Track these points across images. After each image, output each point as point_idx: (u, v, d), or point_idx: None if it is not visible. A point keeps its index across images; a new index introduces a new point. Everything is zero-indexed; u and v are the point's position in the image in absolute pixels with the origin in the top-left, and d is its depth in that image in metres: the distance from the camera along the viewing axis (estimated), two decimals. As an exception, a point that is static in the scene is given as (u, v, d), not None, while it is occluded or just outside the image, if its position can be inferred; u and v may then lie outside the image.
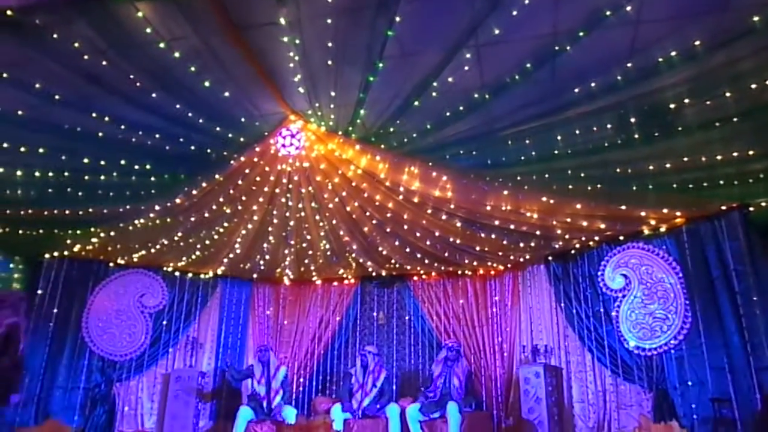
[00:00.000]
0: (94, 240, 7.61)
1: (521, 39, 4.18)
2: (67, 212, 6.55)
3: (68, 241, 7.66)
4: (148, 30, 4.07)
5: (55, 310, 7.79)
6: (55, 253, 8.03)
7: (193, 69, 4.51)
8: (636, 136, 4.93)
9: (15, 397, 7.00)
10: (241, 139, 5.63)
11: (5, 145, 5.24)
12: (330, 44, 4.23)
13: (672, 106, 4.56)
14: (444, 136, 5.27)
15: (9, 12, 3.77)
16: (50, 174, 5.77)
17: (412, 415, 7.01)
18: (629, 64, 4.25)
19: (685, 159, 5.19)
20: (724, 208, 6.00)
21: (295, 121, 5.48)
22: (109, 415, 7.82)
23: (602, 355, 6.97)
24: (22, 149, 5.33)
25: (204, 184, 6.26)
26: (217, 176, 6.14)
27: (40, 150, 5.40)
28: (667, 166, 5.31)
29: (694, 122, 4.71)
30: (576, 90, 4.52)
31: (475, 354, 8.39)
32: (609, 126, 4.92)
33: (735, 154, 5.04)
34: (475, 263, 8.45)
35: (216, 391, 8.57)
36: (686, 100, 4.50)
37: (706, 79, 4.29)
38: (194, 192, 6.38)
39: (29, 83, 4.55)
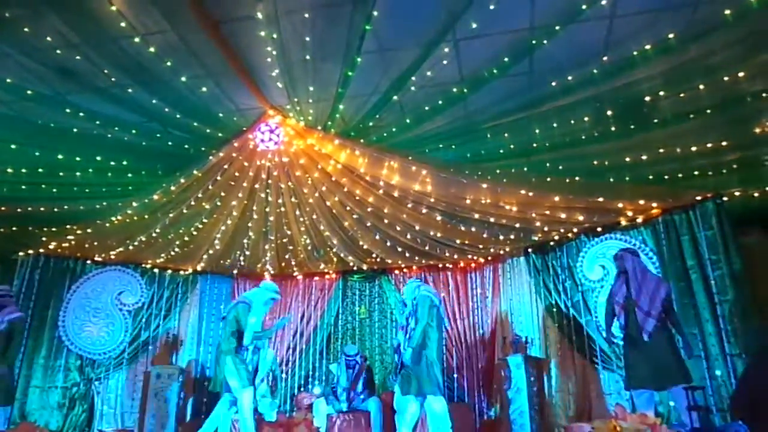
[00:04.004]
0: (70, 237, 7.49)
1: (499, 33, 4.21)
2: (42, 209, 6.45)
3: (44, 239, 7.53)
4: (123, 24, 4.02)
5: (31, 309, 7.66)
6: (30, 251, 7.90)
7: (169, 64, 4.47)
8: (612, 128, 4.99)
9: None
10: (219, 135, 5.58)
11: (-24, 142, 5.15)
12: (307, 39, 4.22)
13: (647, 98, 4.63)
14: (423, 131, 5.29)
15: (-22, 6, 3.70)
16: (23, 170, 5.67)
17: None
18: (605, 58, 4.31)
19: (661, 150, 5.27)
20: (698, 198, 6.11)
21: (274, 116, 5.44)
22: (89, 414, 7.74)
23: (582, 344, 7.06)
24: (-6, 146, 5.24)
25: (182, 180, 6.20)
26: (195, 172, 6.08)
27: (12, 146, 5.30)
28: (644, 157, 5.38)
29: (669, 114, 4.79)
30: (553, 83, 4.57)
31: (457, 346, 8.45)
32: (586, 119, 4.98)
33: (709, 145, 5.13)
34: (455, 256, 8.49)
35: (196, 387, 8.52)
36: (661, 93, 4.58)
37: (680, 72, 4.36)
38: (172, 188, 6.31)
39: (0, 78, 4.47)
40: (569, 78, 4.49)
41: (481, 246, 7.92)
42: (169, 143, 5.55)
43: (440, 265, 8.88)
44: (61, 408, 7.62)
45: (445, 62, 4.43)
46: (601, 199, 6.27)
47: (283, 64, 4.51)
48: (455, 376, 8.24)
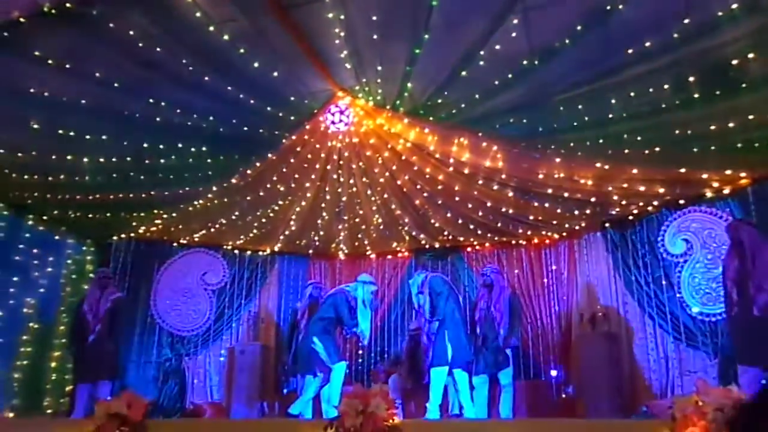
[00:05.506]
0: (157, 221, 7.94)
1: (570, 0, 4.06)
2: (131, 196, 6.85)
3: (134, 223, 8.03)
4: (198, 14, 4.18)
5: (126, 290, 8.19)
6: (123, 235, 8.43)
7: (242, 51, 4.61)
8: (696, 95, 4.72)
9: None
10: (291, 118, 5.72)
11: (72, 133, 5.51)
12: (374, 18, 4.23)
13: (734, 62, 4.34)
14: (493, 106, 5.20)
15: (69, 4, 3.95)
16: (114, 160, 6.04)
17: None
18: (686, 21, 4.06)
19: (750, 117, 4.93)
20: (793, 166, 5.71)
21: (343, 98, 5.52)
22: (181, 387, 8.25)
23: (664, 321, 6.81)
24: (87, 137, 5.59)
25: (258, 164, 6.42)
26: (269, 155, 6.27)
27: (103, 137, 5.64)
28: (731, 125, 5.06)
29: (759, 78, 4.47)
30: (630, 51, 4.36)
31: (533, 323, 8.35)
32: (666, 87, 4.73)
33: (805, 108, 4.77)
34: (529, 232, 8.35)
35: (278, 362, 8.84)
36: (750, 55, 4.27)
37: (771, 31, 4.06)
38: (249, 172, 6.55)
39: (90, 72, 4.75)
40: (647, 44, 4.27)
41: (555, 222, 7.75)
42: (245, 128, 5.75)
43: (513, 242, 8.75)
44: (156, 381, 8.16)
45: (513, 34, 4.33)
46: (683, 170, 5.97)
47: (351, 45, 4.56)
48: (531, 353, 8.15)
